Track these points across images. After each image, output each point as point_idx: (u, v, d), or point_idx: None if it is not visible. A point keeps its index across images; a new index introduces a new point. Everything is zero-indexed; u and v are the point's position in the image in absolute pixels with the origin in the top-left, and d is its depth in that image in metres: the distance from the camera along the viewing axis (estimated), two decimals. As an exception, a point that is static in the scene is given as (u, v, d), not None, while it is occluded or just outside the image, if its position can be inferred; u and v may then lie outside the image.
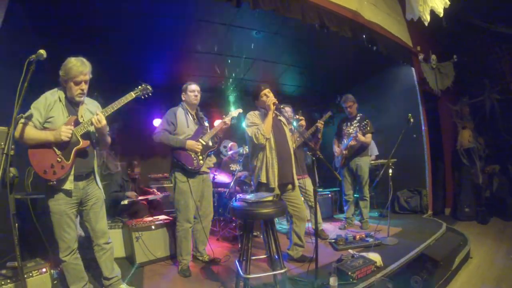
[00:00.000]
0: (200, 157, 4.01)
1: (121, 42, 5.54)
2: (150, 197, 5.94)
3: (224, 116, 4.30)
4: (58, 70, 2.87)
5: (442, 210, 7.87)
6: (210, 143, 4.16)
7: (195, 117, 4.25)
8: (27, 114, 2.74)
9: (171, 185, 4.17)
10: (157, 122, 7.38)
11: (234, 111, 4.37)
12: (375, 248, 4.25)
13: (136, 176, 6.13)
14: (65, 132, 2.74)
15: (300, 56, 7.03)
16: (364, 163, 5.67)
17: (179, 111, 4.12)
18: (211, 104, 8.26)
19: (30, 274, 2.86)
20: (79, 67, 2.84)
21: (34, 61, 2.36)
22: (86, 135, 2.98)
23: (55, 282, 3.16)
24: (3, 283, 2.66)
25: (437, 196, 7.58)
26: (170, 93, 5.57)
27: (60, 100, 2.91)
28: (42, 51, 2.37)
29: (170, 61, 6.68)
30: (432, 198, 7.09)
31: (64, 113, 2.90)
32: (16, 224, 2.19)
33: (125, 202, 5.44)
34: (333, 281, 3.04)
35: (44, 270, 2.98)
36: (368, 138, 5.57)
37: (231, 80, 7.84)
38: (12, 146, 2.19)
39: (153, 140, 4.03)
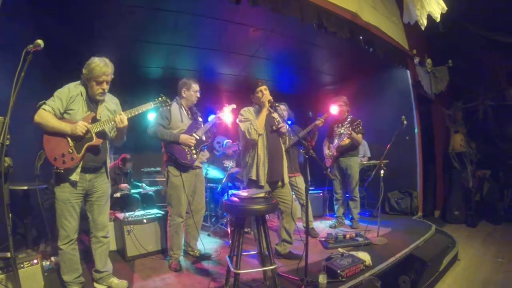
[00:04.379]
0: (194, 151, 4.02)
1: (120, 35, 5.53)
2: (143, 190, 5.96)
3: (218, 111, 4.32)
4: (59, 61, 2.91)
5: (432, 212, 7.95)
6: (204, 138, 4.18)
7: (189, 112, 4.26)
8: (49, 100, 2.88)
9: (164, 179, 4.19)
10: (151, 116, 7.36)
11: (228, 107, 4.39)
12: (364, 248, 4.28)
13: (127, 170, 6.14)
14: (81, 127, 2.84)
15: (296, 55, 7.04)
16: (354, 163, 5.71)
17: (174, 106, 4.11)
18: (205, 99, 8.26)
19: (22, 266, 2.83)
20: (102, 67, 2.91)
21: (31, 51, 2.35)
22: (101, 134, 3.05)
23: (46, 274, 3.16)
24: (-6, 273, 2.66)
25: (427, 198, 7.65)
26: (165, 87, 5.55)
27: (81, 95, 3.01)
28: (39, 41, 2.37)
29: (167, 55, 6.66)
30: (423, 200, 7.14)
31: (84, 108, 3.01)
32: (10, 215, 2.19)
33: (118, 195, 5.45)
34: (322, 278, 3.07)
35: (35, 261, 2.96)
36: (360, 137, 5.62)
37: (227, 76, 7.85)
38: (8, 136, 2.19)
39: (146, 134, 4.04)
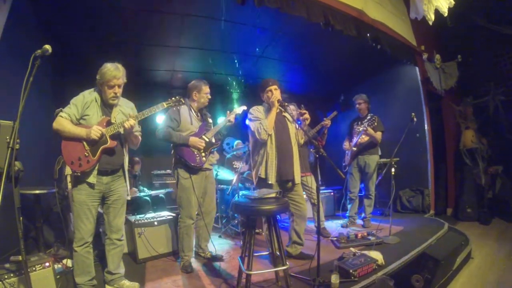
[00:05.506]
0: (203, 154, 4.02)
1: (126, 39, 5.56)
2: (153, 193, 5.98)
3: (228, 112, 4.31)
4: (67, 67, 2.98)
5: (444, 210, 7.86)
6: (213, 140, 4.17)
7: (198, 114, 4.26)
8: (66, 108, 3.02)
9: (174, 181, 4.19)
10: (160, 118, 7.39)
11: (238, 108, 4.36)
12: (376, 247, 4.25)
13: (136, 173, 6.17)
14: (95, 132, 2.95)
15: (304, 54, 7.02)
16: (372, 161, 5.70)
17: (183, 108, 4.10)
18: (214, 101, 8.29)
19: (34, 269, 2.85)
20: (113, 71, 3.03)
21: (39, 56, 2.37)
22: (116, 136, 3.15)
23: (58, 277, 3.18)
24: (6, 277, 2.67)
25: (439, 196, 7.57)
26: (173, 89, 5.58)
27: (96, 101, 3.14)
28: (47, 46, 2.39)
29: (173, 58, 6.68)
30: (434, 198, 7.07)
31: (99, 113, 3.13)
32: (21, 218, 2.21)
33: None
34: (334, 278, 3.04)
35: (47, 264, 2.97)
36: (378, 135, 5.59)
37: (235, 77, 7.84)
38: (17, 140, 2.21)
39: (156, 136, 4.04)
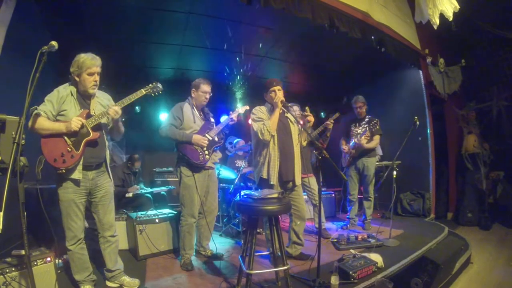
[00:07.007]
0: (206, 152, 4.02)
1: (130, 36, 5.57)
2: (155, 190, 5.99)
3: (231, 112, 4.32)
4: (67, 63, 2.95)
5: (444, 214, 7.86)
6: (216, 139, 4.18)
7: (201, 112, 4.26)
8: (41, 105, 2.87)
9: (175, 179, 4.20)
10: (163, 116, 7.42)
11: (241, 108, 4.39)
12: (376, 249, 4.26)
13: (136, 170, 6.18)
14: (75, 123, 2.83)
15: (308, 56, 7.02)
16: (371, 164, 5.68)
17: (186, 106, 4.12)
18: (218, 100, 8.30)
19: (35, 263, 2.88)
20: (91, 60, 2.95)
21: (46, 52, 2.39)
22: (97, 127, 3.07)
23: (59, 271, 3.20)
24: (8, 271, 2.69)
25: (440, 200, 7.58)
26: (177, 88, 5.58)
27: (72, 95, 3.03)
28: (53, 43, 2.41)
29: (178, 56, 6.70)
30: (435, 202, 7.08)
31: (76, 107, 3.02)
32: (25, 213, 2.22)
33: (130, 195, 5.48)
34: (334, 280, 3.06)
35: (48, 259, 3.01)
36: (377, 139, 5.59)
37: (239, 77, 7.86)
38: (23, 136, 2.22)
39: (159, 134, 4.05)
